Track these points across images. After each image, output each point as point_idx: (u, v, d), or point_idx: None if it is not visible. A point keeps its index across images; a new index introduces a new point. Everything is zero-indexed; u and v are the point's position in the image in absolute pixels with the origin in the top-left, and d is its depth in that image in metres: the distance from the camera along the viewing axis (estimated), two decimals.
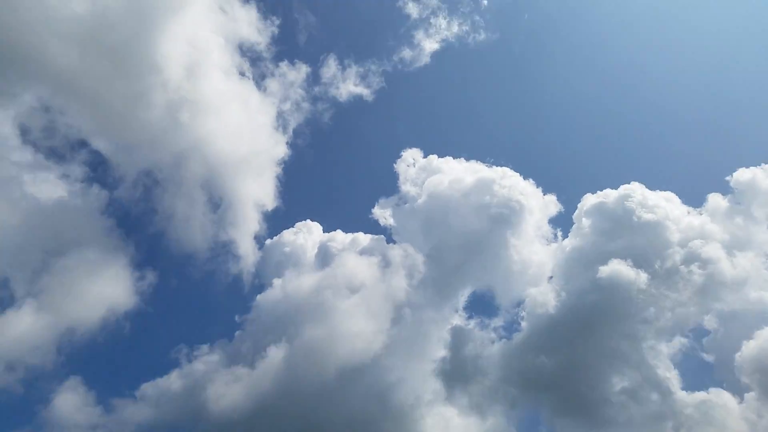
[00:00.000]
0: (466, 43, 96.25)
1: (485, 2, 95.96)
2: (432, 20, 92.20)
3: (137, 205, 71.83)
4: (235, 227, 74.41)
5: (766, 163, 68.87)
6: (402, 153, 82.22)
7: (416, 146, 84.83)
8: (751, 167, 68.71)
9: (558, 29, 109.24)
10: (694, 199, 76.41)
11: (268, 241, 79.43)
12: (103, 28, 59.22)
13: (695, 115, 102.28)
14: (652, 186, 71.03)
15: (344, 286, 66.36)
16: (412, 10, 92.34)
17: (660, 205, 69.48)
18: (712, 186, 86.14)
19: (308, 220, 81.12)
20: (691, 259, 61.14)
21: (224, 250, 74.65)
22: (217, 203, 74.46)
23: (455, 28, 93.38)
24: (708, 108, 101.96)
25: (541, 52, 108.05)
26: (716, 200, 68.99)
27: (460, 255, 69.17)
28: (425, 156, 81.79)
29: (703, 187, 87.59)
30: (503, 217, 72.27)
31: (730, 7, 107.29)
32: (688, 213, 68.81)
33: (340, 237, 77.70)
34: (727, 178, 69.84)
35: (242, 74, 77.61)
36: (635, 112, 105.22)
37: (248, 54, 79.62)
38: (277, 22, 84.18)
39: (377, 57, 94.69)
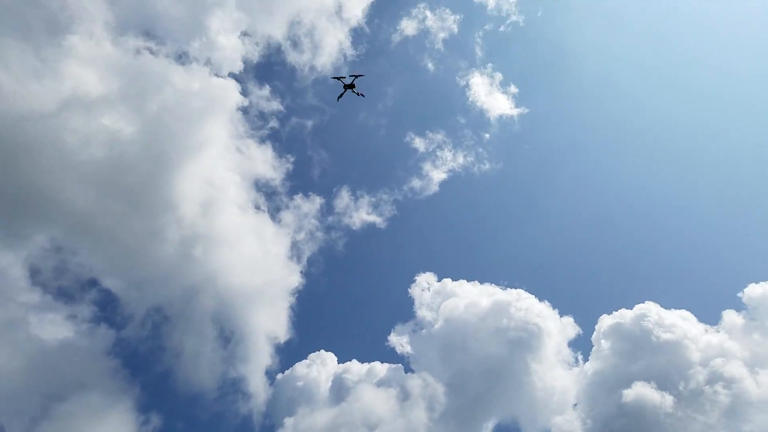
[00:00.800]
0: (472, 172, 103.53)
1: (487, 136, 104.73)
2: (438, 153, 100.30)
3: (145, 343, 69.79)
4: (246, 362, 72.21)
5: None
6: (416, 277, 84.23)
7: (430, 270, 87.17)
8: (761, 282, 70.53)
9: (563, 156, 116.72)
10: (708, 316, 77.14)
11: (279, 376, 77.33)
12: (121, 170, 62.01)
13: (703, 232, 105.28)
14: (666, 304, 72.60)
15: (361, 423, 64.46)
16: (419, 144, 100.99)
17: (677, 324, 70.25)
18: (725, 303, 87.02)
19: (322, 351, 79.94)
20: (714, 378, 60.74)
21: (234, 388, 71.90)
22: (228, 337, 72.69)
23: (461, 159, 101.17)
24: (715, 225, 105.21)
25: (547, 178, 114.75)
26: (731, 317, 69.81)
27: (481, 383, 68.85)
28: (439, 280, 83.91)
29: (716, 304, 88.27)
30: (523, 341, 72.83)
31: (727, 126, 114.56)
32: (706, 331, 69.26)
33: (355, 367, 76.48)
34: (739, 294, 71.37)
35: (258, 208, 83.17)
36: (644, 232, 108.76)
37: (264, 189, 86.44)
38: (292, 159, 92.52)
39: (388, 187, 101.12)
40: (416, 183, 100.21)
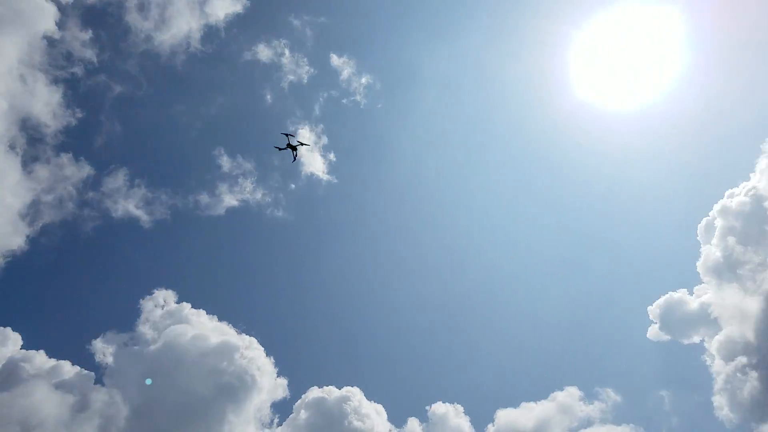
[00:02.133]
0: (264, 213, 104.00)
1: (293, 186, 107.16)
2: (240, 180, 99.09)
3: None
4: None
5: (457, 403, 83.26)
6: (155, 291, 79.49)
7: (173, 289, 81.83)
8: (446, 402, 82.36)
9: (349, 232, 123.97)
10: (397, 419, 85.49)
11: None
12: None
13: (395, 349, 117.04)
14: (369, 395, 79.17)
15: (17, 421, 56.40)
16: (225, 163, 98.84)
17: (370, 416, 77.12)
18: (415, 411, 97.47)
19: (9, 328, 70.20)
20: None
21: None
22: None
23: (258, 196, 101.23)
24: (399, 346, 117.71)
25: (328, 246, 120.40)
26: (414, 425, 79.45)
27: (169, 420, 66.02)
28: (178, 302, 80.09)
29: (406, 410, 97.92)
30: (232, 390, 72.36)
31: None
32: (390, 430, 77.48)
33: (40, 359, 68.02)
34: (427, 407, 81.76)
35: (12, 148, 72.98)
36: (380, 322, 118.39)
37: (30, 131, 76.04)
38: (80, 115, 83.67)
39: (172, 189, 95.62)
40: (203, 198, 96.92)
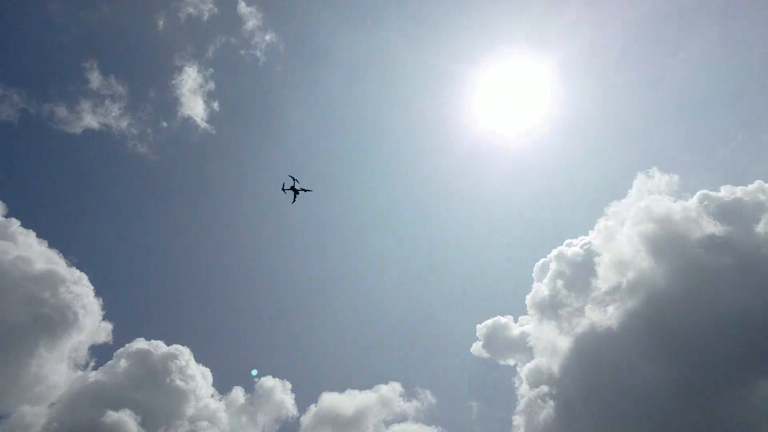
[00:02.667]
0: (126, 145, 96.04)
1: (165, 125, 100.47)
2: (107, 102, 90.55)
3: None
4: None
5: None
6: None
7: (4, 200, 76.20)
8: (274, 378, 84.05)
9: None
10: (224, 384, 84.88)
11: None
12: None
13: None
14: (198, 357, 78.12)
15: None
16: (94, 79, 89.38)
17: (195, 378, 75.78)
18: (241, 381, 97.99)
19: None
20: None
21: None
22: None
23: (124, 125, 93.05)
24: None
25: None
26: (238, 393, 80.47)
27: None
28: (7, 216, 73.42)
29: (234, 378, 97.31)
30: (50, 323, 67.18)
31: None
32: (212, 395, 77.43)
33: None
34: (255, 379, 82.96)
35: None
36: None
37: None
38: None
39: (27, 92, 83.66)
40: (61, 111, 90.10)
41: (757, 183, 78.68)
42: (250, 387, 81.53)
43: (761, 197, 77.68)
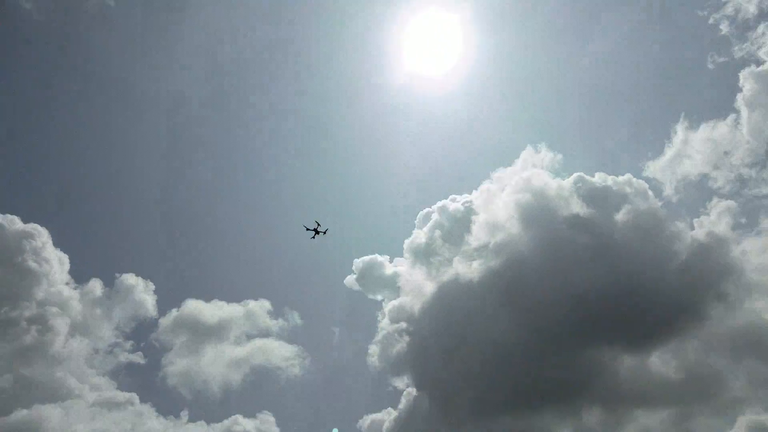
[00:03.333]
0: None
1: None
2: None
3: None
4: None
5: None
6: None
7: None
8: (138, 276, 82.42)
9: None
10: (82, 274, 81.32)
11: None
12: None
13: None
14: (58, 241, 74.79)
15: None
16: None
17: (51, 262, 72.90)
18: (101, 274, 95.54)
19: None
20: None
21: None
22: None
23: None
24: None
25: None
26: (96, 286, 78.79)
27: None
28: None
29: (93, 270, 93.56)
30: None
31: None
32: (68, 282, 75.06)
33: None
34: (117, 274, 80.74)
35: None
36: None
37: None
38: None
39: None
40: None
41: (627, 176, 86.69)
42: (110, 281, 79.88)
43: (627, 189, 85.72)
